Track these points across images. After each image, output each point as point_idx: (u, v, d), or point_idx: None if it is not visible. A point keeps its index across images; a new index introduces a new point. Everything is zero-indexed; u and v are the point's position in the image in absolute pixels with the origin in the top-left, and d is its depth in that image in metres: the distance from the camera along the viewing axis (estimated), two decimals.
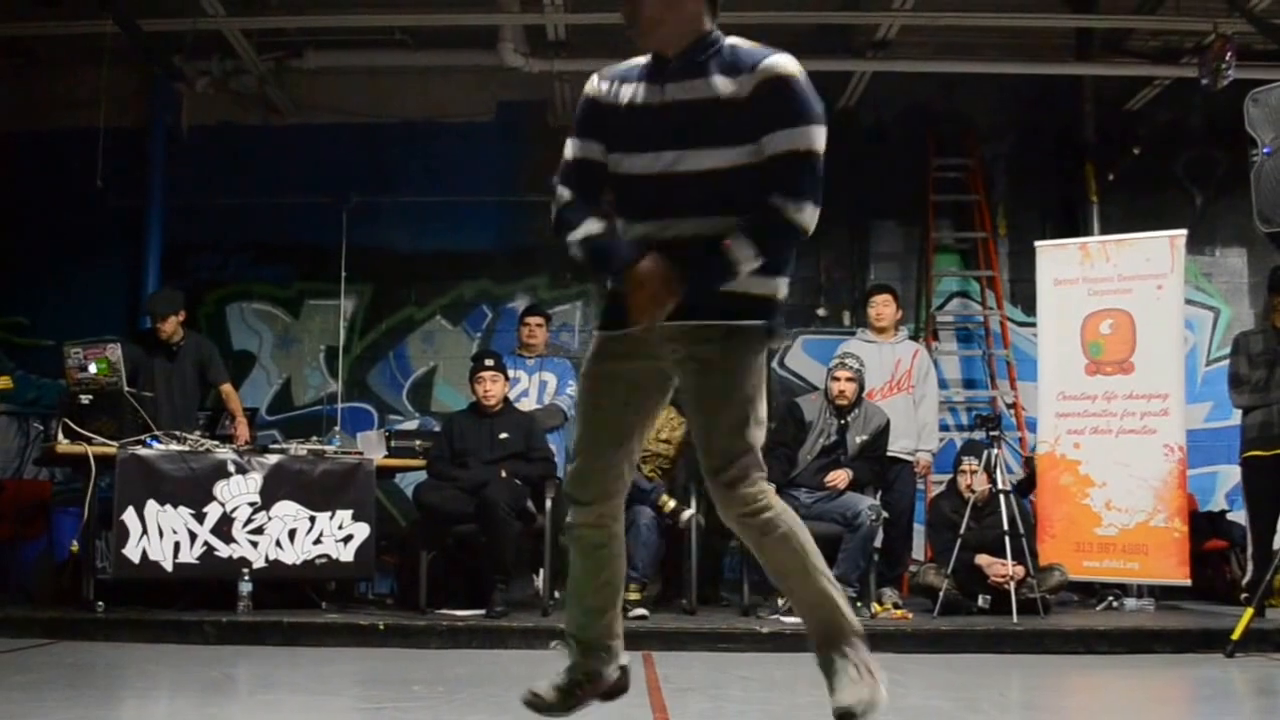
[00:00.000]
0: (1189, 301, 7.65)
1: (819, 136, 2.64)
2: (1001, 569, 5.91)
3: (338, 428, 7.80)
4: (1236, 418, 6.58)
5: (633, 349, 2.74)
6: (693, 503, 6.19)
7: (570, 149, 2.87)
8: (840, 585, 2.86)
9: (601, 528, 2.79)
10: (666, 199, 2.70)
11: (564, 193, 2.84)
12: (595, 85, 2.86)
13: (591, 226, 2.76)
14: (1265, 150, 5.12)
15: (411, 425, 8.06)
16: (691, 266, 2.60)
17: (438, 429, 7.14)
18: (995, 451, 6.12)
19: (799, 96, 2.63)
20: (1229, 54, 6.83)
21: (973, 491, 6.15)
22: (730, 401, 2.67)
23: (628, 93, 2.78)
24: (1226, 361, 6.63)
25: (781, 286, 2.75)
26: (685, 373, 2.74)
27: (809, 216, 2.64)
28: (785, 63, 2.65)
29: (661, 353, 2.73)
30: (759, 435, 2.72)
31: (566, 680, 2.80)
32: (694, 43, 2.71)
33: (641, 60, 2.81)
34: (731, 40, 2.75)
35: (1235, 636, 5.10)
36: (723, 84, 2.66)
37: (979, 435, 6.57)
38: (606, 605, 2.84)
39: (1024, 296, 8.11)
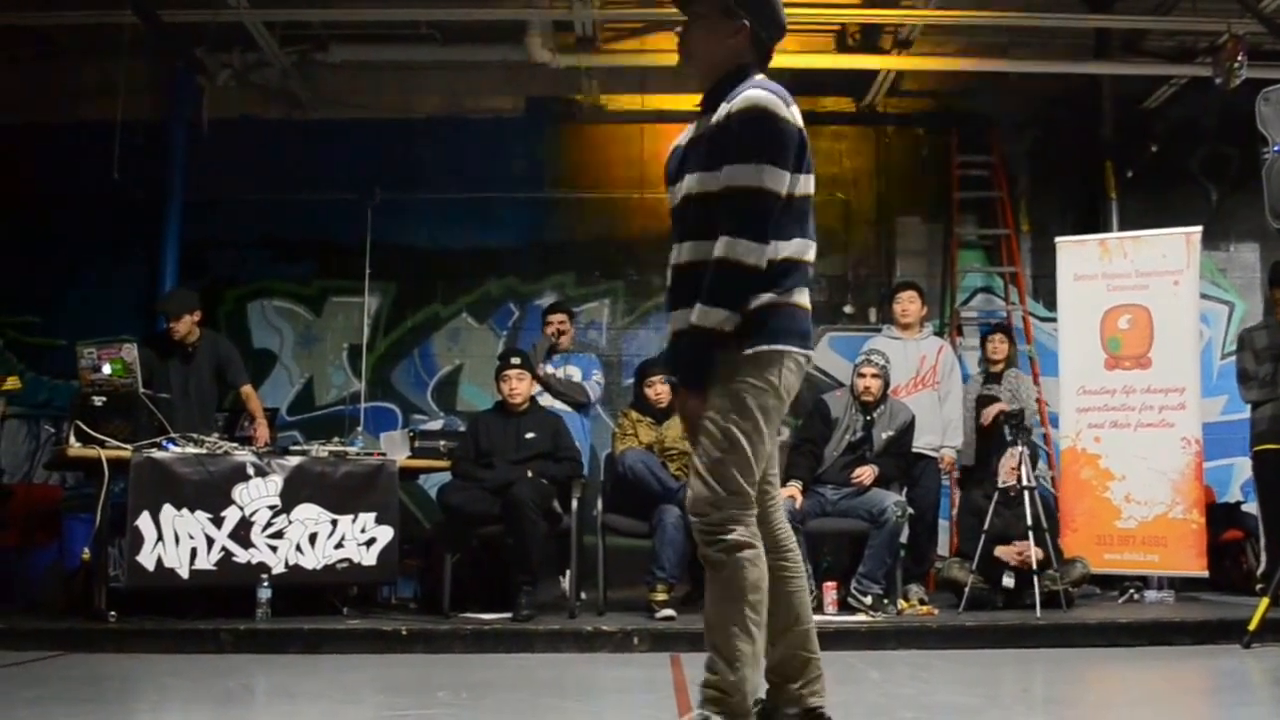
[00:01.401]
0: (1205, 296, 7.84)
1: (765, 175, 2.71)
2: (1020, 551, 6.05)
3: (360, 428, 7.71)
4: (1250, 411, 6.71)
5: None
6: None
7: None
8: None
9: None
10: (678, 224, 2.90)
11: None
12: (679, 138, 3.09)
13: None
14: (1276, 148, 5.28)
15: (436, 425, 8.05)
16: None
17: (463, 429, 7.08)
18: (1021, 448, 6.18)
19: (753, 132, 2.72)
20: (1241, 54, 7.05)
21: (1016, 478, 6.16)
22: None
23: (686, 132, 3.00)
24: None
25: (710, 316, 2.71)
26: None
27: (742, 251, 2.69)
28: (756, 97, 2.74)
29: None
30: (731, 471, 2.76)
31: None
32: (724, 76, 2.87)
33: None
34: (759, 76, 2.87)
35: (1252, 627, 5.20)
36: (719, 115, 2.80)
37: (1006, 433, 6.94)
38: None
39: (1046, 292, 8.21)
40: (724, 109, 2.78)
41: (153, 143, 8.03)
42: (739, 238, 2.70)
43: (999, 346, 7.26)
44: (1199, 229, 7.01)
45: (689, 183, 2.85)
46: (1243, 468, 7.90)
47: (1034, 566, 6.02)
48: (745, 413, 2.76)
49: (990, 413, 6.78)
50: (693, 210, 2.83)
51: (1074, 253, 7.22)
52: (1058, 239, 7.37)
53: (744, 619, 2.73)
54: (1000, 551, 6.18)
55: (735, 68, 2.88)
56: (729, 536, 2.72)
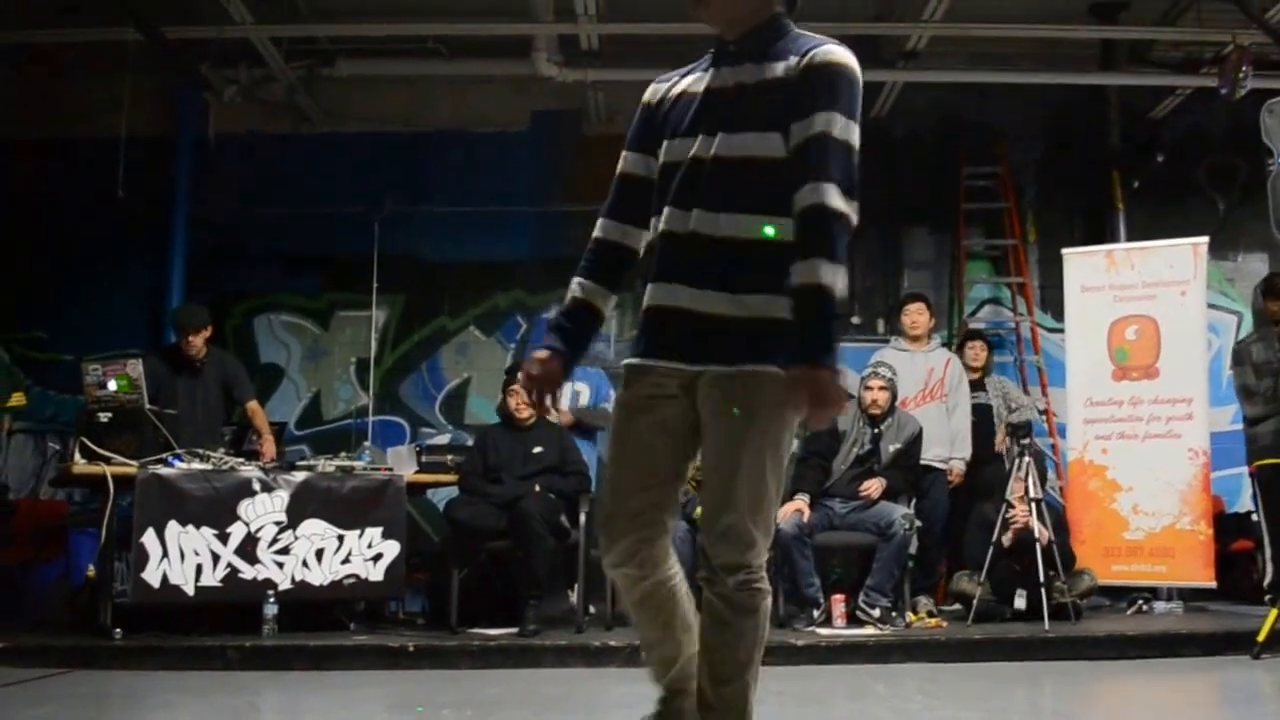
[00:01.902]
0: (1213, 306, 7.87)
1: (855, 131, 2.39)
2: (1020, 518, 6.13)
3: (368, 442, 7.69)
4: (1246, 425, 6.61)
5: None
6: None
7: (620, 164, 2.71)
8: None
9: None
10: (691, 187, 2.46)
11: (598, 225, 2.69)
12: (650, 90, 2.69)
13: (573, 290, 2.66)
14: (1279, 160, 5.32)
15: (444, 439, 8.02)
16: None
17: (470, 443, 7.05)
18: (1027, 460, 6.21)
19: (842, 86, 2.40)
20: (1247, 64, 7.07)
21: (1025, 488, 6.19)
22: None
23: (684, 84, 2.60)
24: None
25: (840, 278, 2.35)
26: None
27: (850, 208, 2.35)
28: (839, 53, 2.42)
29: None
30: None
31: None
32: (758, 26, 2.51)
33: (701, 60, 2.63)
34: (800, 30, 2.53)
35: (1261, 638, 5.24)
36: (775, 69, 2.44)
37: (1011, 445, 6.74)
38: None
39: (1054, 303, 8.18)
40: (795, 60, 2.42)
41: (159, 158, 8.06)
42: (847, 194, 2.36)
43: (979, 353, 7.27)
44: (1205, 239, 7.04)
45: (728, 142, 2.44)
46: None
47: (1034, 532, 6.02)
48: (785, 445, 2.49)
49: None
50: (728, 174, 2.43)
51: (1081, 264, 7.24)
52: (1064, 250, 7.38)
53: (757, 670, 2.54)
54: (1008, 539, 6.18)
55: (771, 17, 2.54)
56: (763, 584, 2.48)
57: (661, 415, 2.52)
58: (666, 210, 2.50)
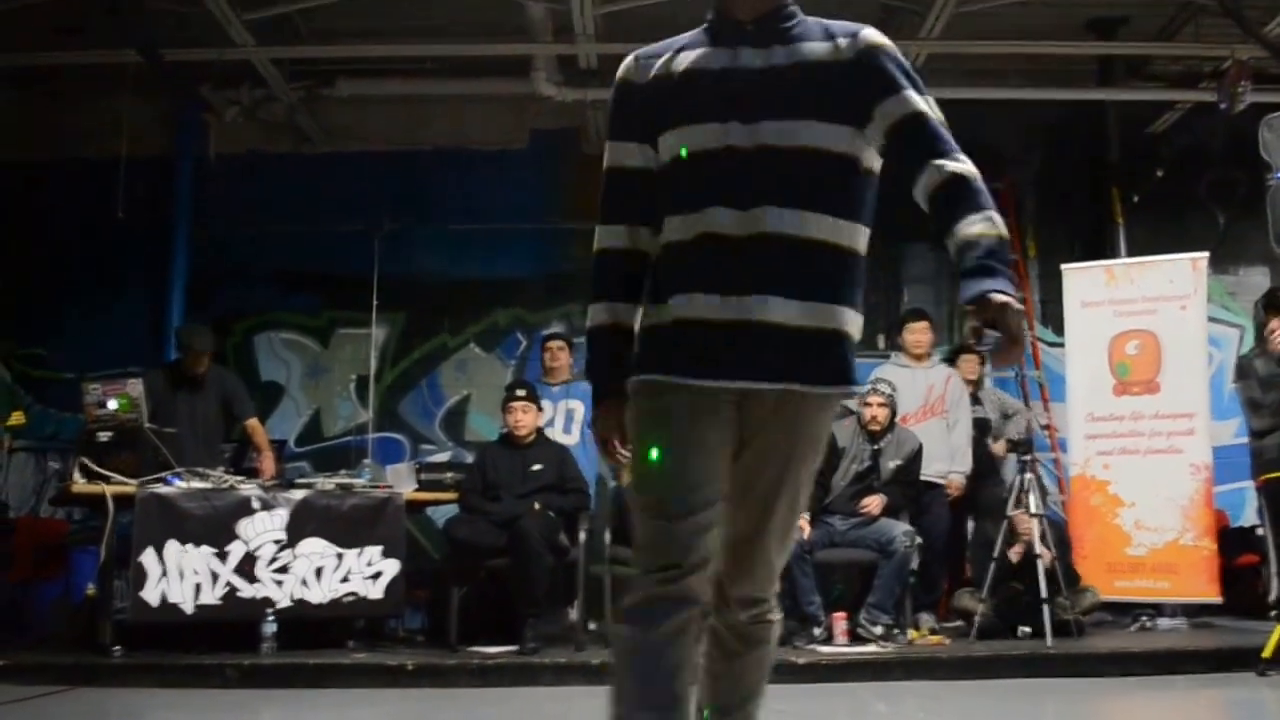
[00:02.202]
0: (1215, 320, 7.89)
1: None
2: (1022, 538, 6.10)
3: (368, 460, 7.72)
4: (1250, 439, 6.56)
5: None
6: None
7: (608, 157, 2.39)
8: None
9: None
10: (747, 182, 2.18)
11: (603, 234, 2.38)
12: (632, 67, 2.38)
13: (602, 316, 2.36)
14: (1279, 175, 5.29)
15: (443, 457, 8.04)
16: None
17: (470, 460, 7.05)
18: (1029, 476, 6.17)
19: (903, 65, 2.26)
20: (1245, 79, 7.12)
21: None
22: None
23: (688, 62, 2.29)
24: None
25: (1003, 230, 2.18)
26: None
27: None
28: (881, 34, 2.29)
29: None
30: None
31: None
32: (778, 7, 2.29)
33: (688, 34, 2.37)
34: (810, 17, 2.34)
35: (1266, 655, 5.17)
36: (812, 51, 2.24)
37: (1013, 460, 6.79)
38: None
39: (1054, 317, 8.17)
40: (841, 42, 2.24)
41: (159, 178, 8.08)
42: (961, 154, 2.21)
43: (973, 366, 7.27)
44: (1205, 255, 7.06)
45: (780, 131, 2.19)
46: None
47: (1035, 549, 6.00)
48: None
49: (1000, 447, 6.79)
50: (794, 167, 2.18)
51: (1080, 279, 7.25)
52: (1064, 266, 7.39)
53: (763, 696, 2.42)
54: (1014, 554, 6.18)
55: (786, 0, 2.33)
56: (774, 614, 2.36)
57: (722, 428, 2.22)
58: (712, 209, 2.19)
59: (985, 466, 6.96)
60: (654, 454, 2.20)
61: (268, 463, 6.54)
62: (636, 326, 2.35)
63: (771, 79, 2.23)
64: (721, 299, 2.18)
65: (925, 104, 2.23)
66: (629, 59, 2.40)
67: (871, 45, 2.25)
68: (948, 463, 6.78)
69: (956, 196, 2.17)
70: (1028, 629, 6.05)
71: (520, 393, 6.39)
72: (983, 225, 2.13)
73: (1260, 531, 7.46)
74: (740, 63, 2.25)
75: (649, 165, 2.33)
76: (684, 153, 2.24)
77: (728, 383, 2.18)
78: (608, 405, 2.34)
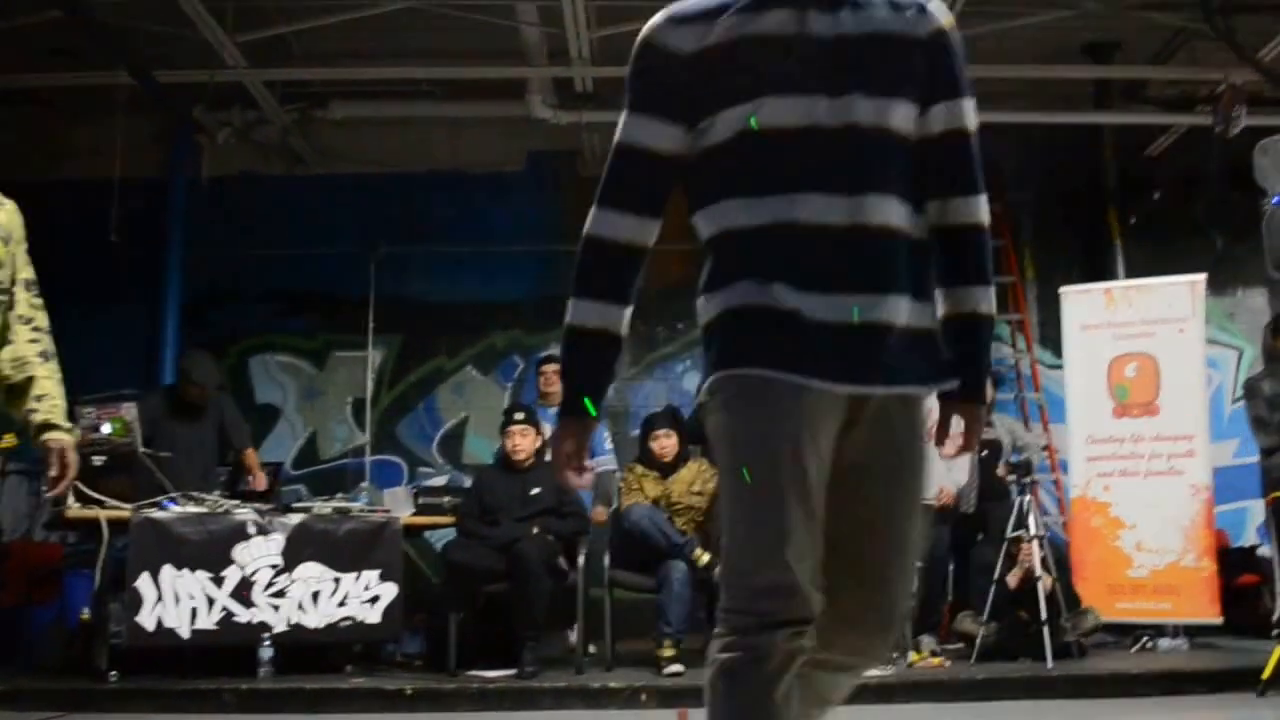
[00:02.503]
0: (1214, 341, 8.00)
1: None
2: (1022, 569, 6.07)
3: (364, 484, 7.76)
4: (1261, 457, 6.59)
5: None
6: None
7: (627, 133, 2.06)
8: None
9: None
10: (840, 166, 1.93)
11: (602, 220, 2.06)
12: (663, 30, 2.02)
13: (587, 318, 2.06)
14: (1274, 200, 5.27)
15: (441, 480, 8.07)
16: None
17: (468, 483, 7.05)
18: (1028, 498, 6.19)
19: (963, 62, 2.05)
20: (1239, 103, 7.19)
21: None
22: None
23: (743, 24, 1.98)
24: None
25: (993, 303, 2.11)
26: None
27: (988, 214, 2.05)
28: (948, 13, 2.08)
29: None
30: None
31: None
32: None
33: None
34: None
35: (1266, 675, 5.17)
36: (887, 19, 2.00)
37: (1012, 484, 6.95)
38: None
39: (1053, 339, 8.18)
40: (912, 15, 2.02)
41: (152, 200, 8.08)
42: (984, 196, 2.09)
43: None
44: (1203, 277, 7.08)
45: (860, 108, 1.95)
46: (1257, 511, 7.91)
47: (1036, 573, 5.99)
48: None
49: (1003, 469, 6.80)
50: (877, 149, 1.97)
51: (1079, 302, 7.26)
52: (1062, 289, 7.39)
53: None
54: (1011, 580, 6.18)
55: None
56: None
57: (822, 448, 1.94)
58: (802, 195, 1.93)
59: (994, 490, 6.96)
60: (764, 473, 1.89)
61: (260, 480, 6.58)
62: (625, 331, 2.09)
63: (847, 49, 1.97)
64: (821, 296, 1.93)
65: (973, 118, 2.08)
66: (660, 19, 2.03)
67: (941, 28, 2.04)
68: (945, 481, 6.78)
69: (974, 248, 2.08)
70: (1026, 662, 6.03)
71: (519, 416, 6.38)
72: (988, 305, 2.06)
73: (1262, 550, 7.49)
74: (810, 28, 1.97)
75: (679, 150, 2.04)
76: (754, 124, 1.95)
77: (841, 386, 1.94)
78: (578, 422, 2.08)
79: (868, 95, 1.95)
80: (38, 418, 2.81)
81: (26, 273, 2.92)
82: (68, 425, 2.86)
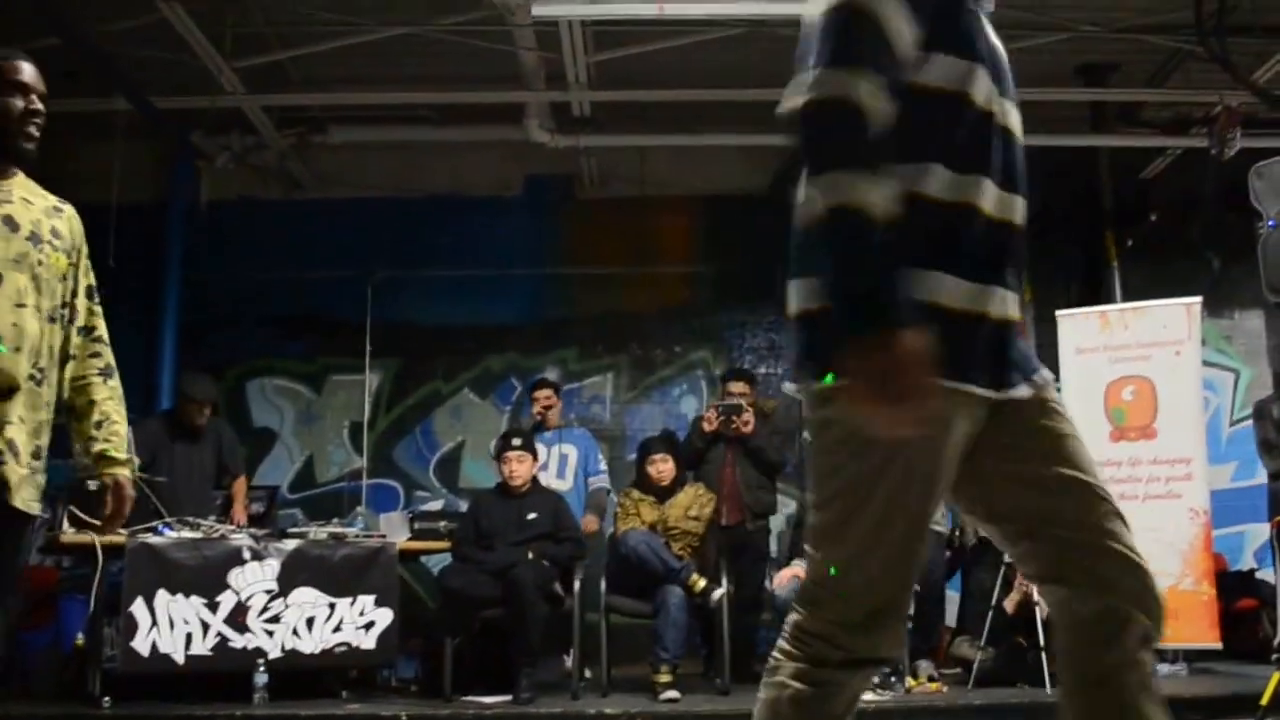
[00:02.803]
0: (1210, 364, 8.00)
1: None
2: (1020, 592, 6.11)
3: (361, 508, 7.74)
4: (1262, 476, 6.69)
5: None
6: (723, 581, 6.14)
7: (937, 73, 1.78)
8: None
9: None
10: (1012, 165, 1.85)
11: (865, 88, 1.63)
12: None
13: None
14: (1270, 223, 5.26)
15: (437, 505, 8.07)
16: None
17: (464, 508, 7.07)
18: None
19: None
20: (1235, 125, 7.22)
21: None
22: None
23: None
24: (1250, 422, 6.89)
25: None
26: None
27: None
28: None
29: None
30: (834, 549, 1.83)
31: None
32: None
33: None
34: None
35: (1264, 701, 5.10)
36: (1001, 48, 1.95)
37: None
38: None
39: (1049, 362, 8.34)
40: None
41: (150, 225, 8.11)
42: None
43: None
44: (1198, 300, 7.08)
45: (1018, 121, 1.89)
46: (1256, 534, 7.94)
47: (1033, 599, 5.97)
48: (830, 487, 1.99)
49: None
50: (1022, 154, 1.88)
51: (1075, 326, 7.25)
52: (1058, 313, 7.36)
53: None
54: (1008, 604, 6.20)
55: None
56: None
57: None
58: (984, 179, 1.80)
59: None
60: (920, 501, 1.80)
61: (241, 516, 6.59)
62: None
63: (999, 53, 1.88)
64: (1000, 290, 1.82)
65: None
66: None
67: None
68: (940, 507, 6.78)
69: None
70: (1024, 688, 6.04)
71: (516, 442, 6.40)
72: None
73: (1262, 574, 7.49)
74: (984, 19, 1.88)
75: (967, 95, 1.81)
76: (980, 109, 1.80)
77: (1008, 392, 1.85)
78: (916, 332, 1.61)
79: (1015, 106, 1.92)
80: (97, 447, 2.81)
81: (88, 279, 2.89)
82: (125, 458, 2.85)
